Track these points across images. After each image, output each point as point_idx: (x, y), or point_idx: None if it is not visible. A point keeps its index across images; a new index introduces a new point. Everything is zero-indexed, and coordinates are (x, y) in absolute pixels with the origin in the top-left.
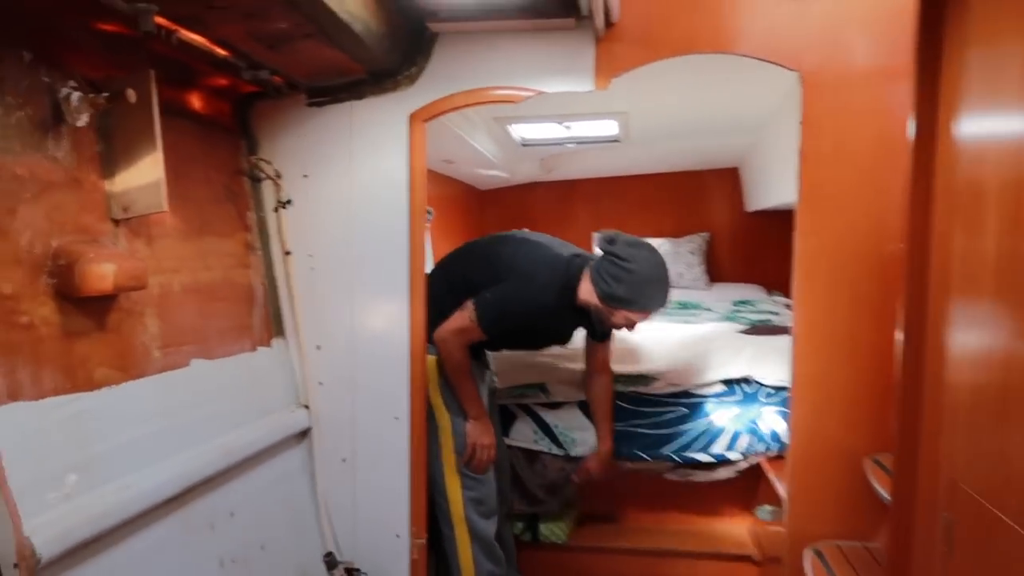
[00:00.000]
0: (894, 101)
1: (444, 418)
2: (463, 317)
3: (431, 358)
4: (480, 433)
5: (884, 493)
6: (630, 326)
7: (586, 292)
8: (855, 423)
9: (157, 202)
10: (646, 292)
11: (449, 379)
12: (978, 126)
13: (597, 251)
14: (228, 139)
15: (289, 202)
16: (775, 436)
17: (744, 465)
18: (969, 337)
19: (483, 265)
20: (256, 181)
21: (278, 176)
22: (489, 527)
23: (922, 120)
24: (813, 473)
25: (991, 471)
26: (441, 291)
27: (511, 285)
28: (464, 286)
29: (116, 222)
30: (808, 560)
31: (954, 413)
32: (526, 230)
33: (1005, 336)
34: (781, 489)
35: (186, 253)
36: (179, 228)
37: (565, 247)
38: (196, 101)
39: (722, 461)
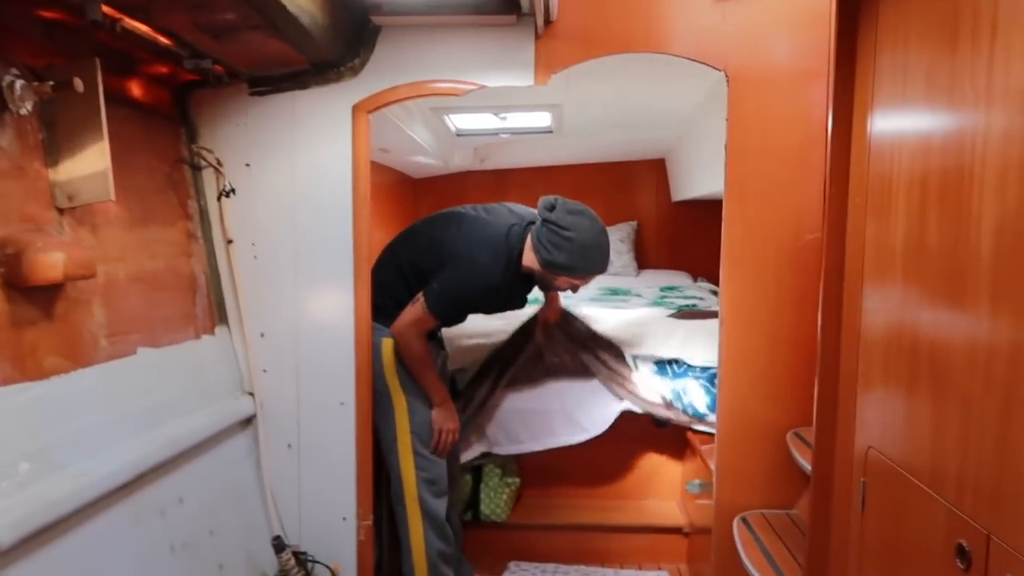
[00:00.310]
0: (814, 100)
1: (400, 399)
2: (416, 310)
3: (388, 341)
4: (445, 419)
5: (805, 464)
6: (573, 288)
7: (529, 259)
8: (778, 400)
9: (104, 191)
10: (586, 258)
11: (410, 369)
12: (888, 124)
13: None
14: (168, 127)
15: (232, 191)
16: (694, 408)
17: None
18: (880, 317)
19: (427, 250)
20: (197, 170)
21: (220, 165)
22: (440, 507)
23: (838, 118)
24: (739, 448)
25: (900, 437)
26: (391, 278)
27: (456, 272)
28: (413, 271)
29: (61, 211)
30: (736, 528)
31: (867, 386)
32: (467, 206)
33: (911, 316)
34: (710, 463)
35: (130, 242)
36: (123, 217)
37: (501, 216)
38: (136, 89)
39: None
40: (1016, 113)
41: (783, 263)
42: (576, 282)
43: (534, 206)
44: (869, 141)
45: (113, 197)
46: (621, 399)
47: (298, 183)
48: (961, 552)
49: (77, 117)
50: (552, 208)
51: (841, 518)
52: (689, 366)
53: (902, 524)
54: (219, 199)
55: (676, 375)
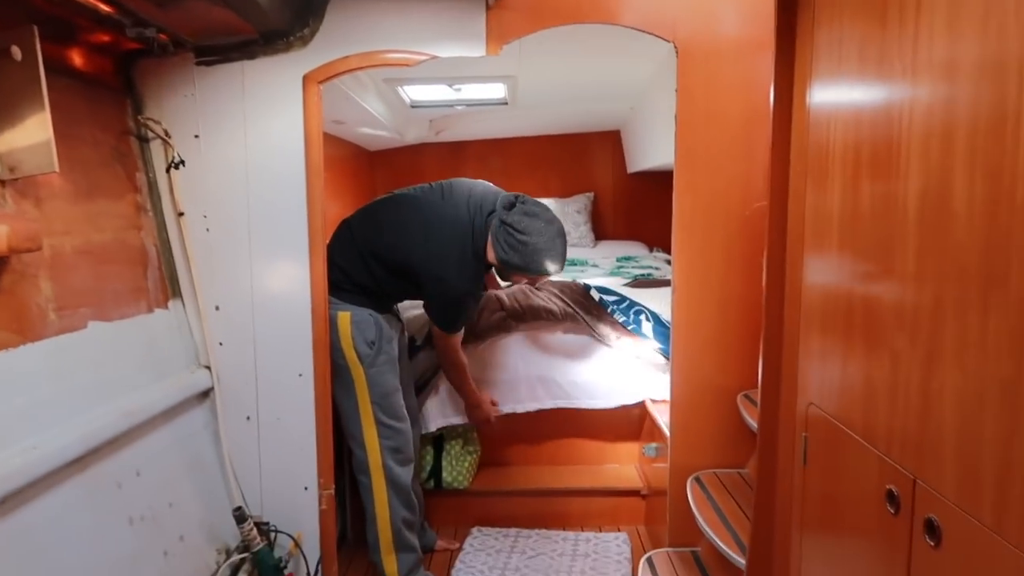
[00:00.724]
0: (762, 70)
1: (358, 371)
2: (442, 339)
3: (344, 315)
4: (479, 413)
5: (753, 423)
6: (529, 283)
7: (490, 254)
8: (729, 364)
9: (48, 162)
10: (538, 261)
11: (453, 382)
12: (825, 95)
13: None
14: (113, 98)
15: (181, 163)
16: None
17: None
18: (819, 282)
19: (392, 248)
20: (144, 141)
21: (168, 136)
22: (406, 475)
23: (780, 89)
24: (692, 411)
25: (836, 393)
26: (351, 261)
27: (438, 292)
28: (375, 260)
29: (3, 183)
30: (690, 488)
31: (807, 346)
32: (426, 189)
33: (846, 280)
34: (664, 427)
35: (76, 215)
36: (67, 189)
37: (462, 208)
38: (77, 58)
39: None
40: (939, 85)
41: (733, 231)
42: (530, 280)
43: (491, 179)
44: (808, 112)
45: (57, 168)
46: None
47: (249, 155)
48: (891, 497)
49: (16, 86)
50: (511, 207)
51: (785, 472)
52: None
53: (840, 475)
54: (168, 171)
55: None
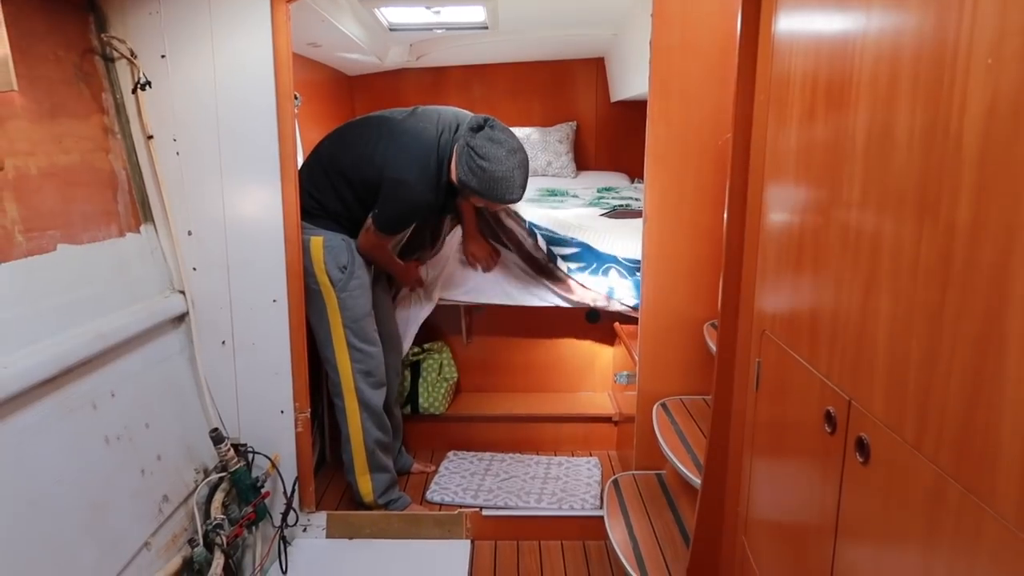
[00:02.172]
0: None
1: (331, 295)
2: (370, 235)
3: (317, 239)
4: (407, 278)
5: None
6: (488, 207)
7: (453, 174)
8: (697, 295)
9: (6, 80)
10: (494, 189)
11: (384, 269)
12: (788, 24)
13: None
14: (75, 15)
15: (148, 83)
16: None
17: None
18: (776, 212)
19: (356, 164)
20: (109, 61)
21: (133, 56)
22: (377, 397)
23: (747, 16)
24: (661, 339)
25: (787, 318)
26: (319, 182)
27: (393, 194)
28: (341, 180)
29: None
30: (655, 414)
31: (763, 275)
32: (393, 110)
33: (799, 209)
34: (636, 355)
35: (39, 136)
36: (29, 109)
37: (430, 123)
38: None
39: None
40: (889, 14)
41: (705, 162)
42: (489, 204)
43: (472, 107)
44: (773, 41)
45: (16, 87)
46: (557, 295)
47: (218, 76)
48: (828, 417)
49: None
50: (478, 129)
51: (740, 397)
52: (618, 261)
53: (786, 398)
54: (135, 92)
55: (604, 272)
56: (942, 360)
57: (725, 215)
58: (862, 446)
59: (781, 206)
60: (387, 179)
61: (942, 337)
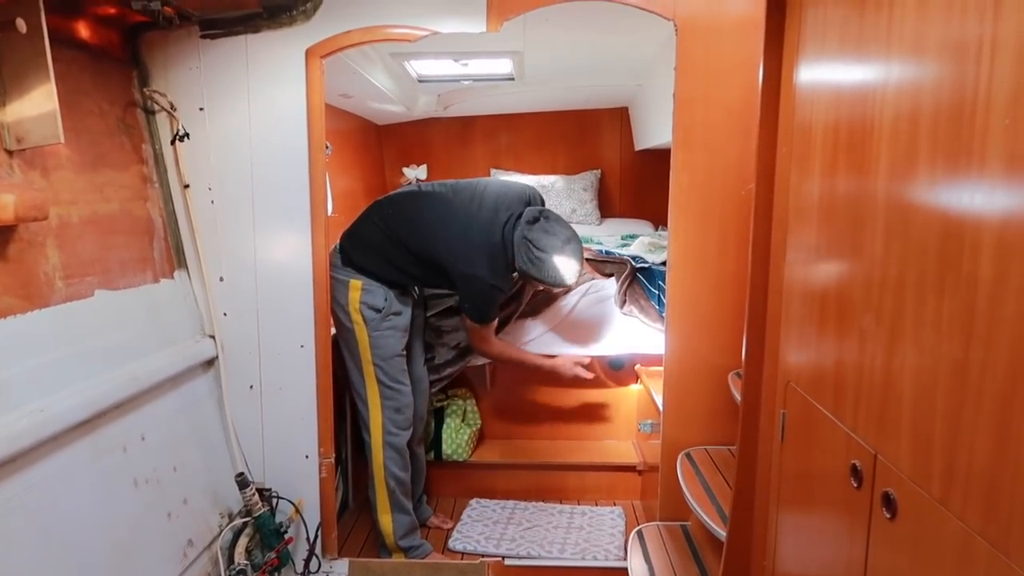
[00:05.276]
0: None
1: (363, 332)
2: (475, 332)
3: (355, 282)
4: (563, 368)
5: None
6: (546, 290)
7: (516, 262)
8: (721, 343)
9: (53, 133)
10: (553, 276)
11: (509, 364)
12: (809, 75)
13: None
14: (119, 70)
15: (186, 135)
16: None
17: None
18: (799, 263)
19: (423, 245)
20: (150, 113)
21: (173, 109)
22: (401, 437)
23: (769, 68)
24: (685, 388)
25: (811, 370)
26: (382, 245)
27: (471, 291)
28: (404, 251)
29: (10, 153)
30: (680, 464)
31: (787, 326)
32: (457, 187)
33: (822, 261)
34: (660, 403)
35: (82, 185)
36: (74, 160)
37: (493, 214)
38: (83, 30)
39: None
40: (908, 66)
41: (728, 210)
42: (547, 287)
43: (499, 156)
44: (795, 92)
45: (63, 139)
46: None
47: (253, 128)
48: (854, 471)
49: (21, 58)
50: (534, 222)
51: (765, 448)
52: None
53: (812, 451)
54: (173, 143)
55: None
56: (967, 415)
57: (749, 264)
58: (889, 501)
59: (804, 257)
60: (460, 275)
61: (966, 391)
